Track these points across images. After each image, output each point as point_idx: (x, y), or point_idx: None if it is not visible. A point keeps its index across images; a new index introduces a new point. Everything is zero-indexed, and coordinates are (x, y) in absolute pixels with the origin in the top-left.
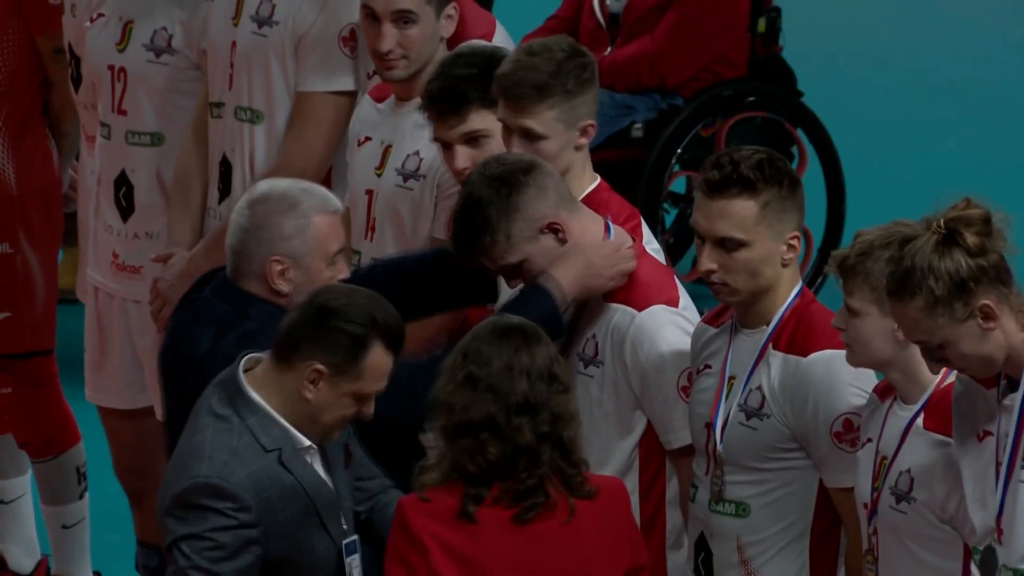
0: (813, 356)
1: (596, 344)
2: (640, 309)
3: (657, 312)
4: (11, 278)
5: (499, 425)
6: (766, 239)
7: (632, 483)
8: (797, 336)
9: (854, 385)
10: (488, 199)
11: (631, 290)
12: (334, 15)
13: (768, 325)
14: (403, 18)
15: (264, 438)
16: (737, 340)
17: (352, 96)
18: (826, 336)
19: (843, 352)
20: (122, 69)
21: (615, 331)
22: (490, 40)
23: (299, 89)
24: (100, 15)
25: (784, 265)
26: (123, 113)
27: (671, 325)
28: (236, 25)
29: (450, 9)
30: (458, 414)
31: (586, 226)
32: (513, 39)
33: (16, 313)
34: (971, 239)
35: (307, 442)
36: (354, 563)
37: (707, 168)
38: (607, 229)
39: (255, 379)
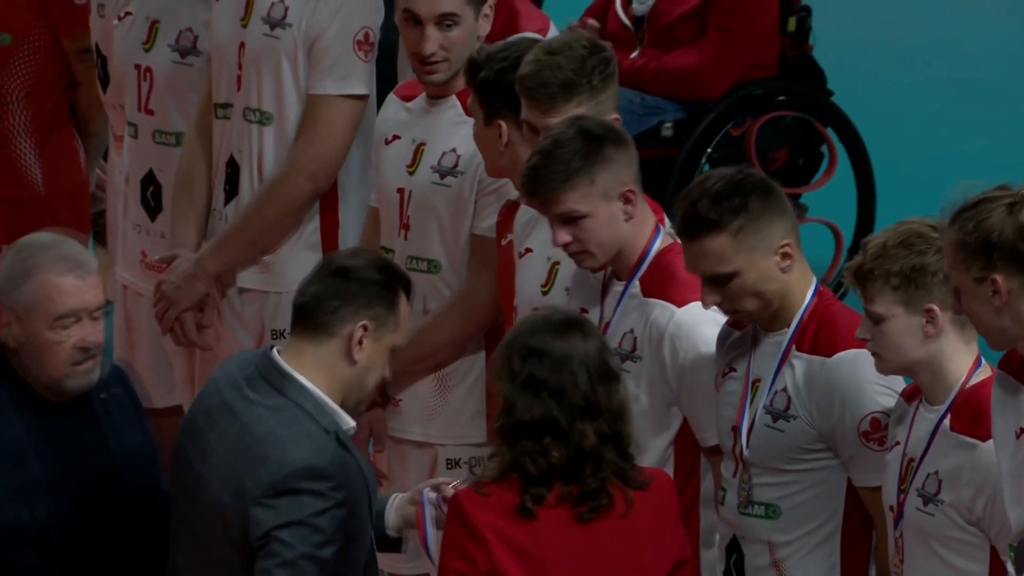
0: (838, 356)
1: (634, 339)
2: (679, 305)
3: (696, 308)
4: None
5: (562, 428)
6: (754, 260)
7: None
8: (820, 336)
9: (880, 384)
10: (584, 142)
11: (670, 286)
12: (349, 18)
13: (789, 327)
14: (446, 21)
15: (323, 420)
16: (760, 343)
17: (364, 100)
18: (850, 335)
19: (867, 352)
20: (148, 69)
21: (654, 327)
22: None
23: (311, 92)
24: (127, 13)
25: (784, 272)
26: (150, 113)
27: (710, 322)
28: (245, 26)
29: (486, 8)
30: (518, 414)
31: (645, 215)
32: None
33: None
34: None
35: (351, 423)
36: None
37: (675, 212)
38: (656, 230)
39: (291, 362)
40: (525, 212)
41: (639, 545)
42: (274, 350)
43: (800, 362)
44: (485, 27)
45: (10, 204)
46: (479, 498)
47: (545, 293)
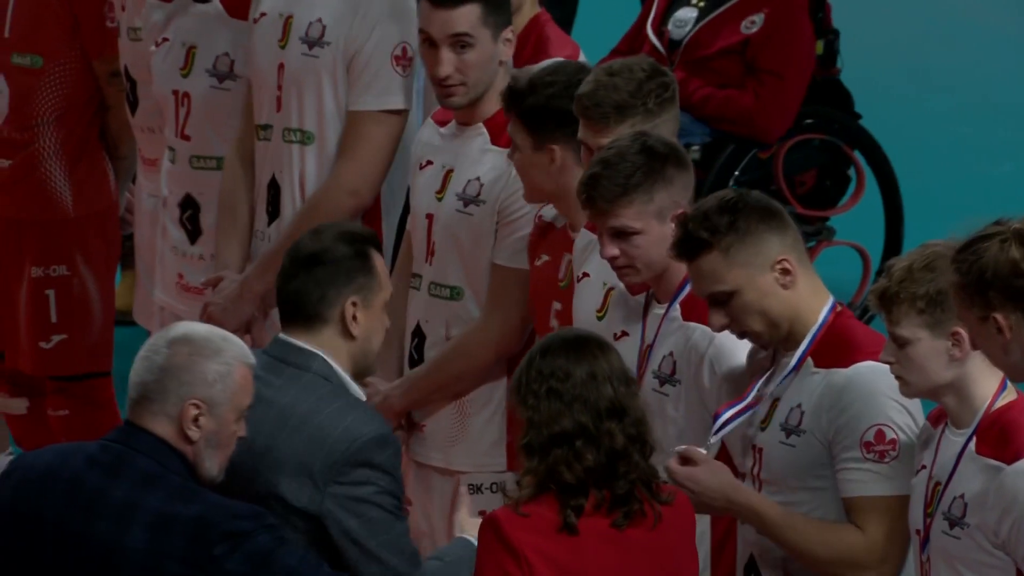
0: (856, 366)
1: (674, 362)
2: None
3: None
4: (68, 300)
5: (591, 432)
6: (750, 277)
7: (705, 520)
8: (838, 351)
9: (894, 399)
10: (646, 158)
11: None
12: (386, 34)
13: (800, 346)
14: (459, 42)
15: (351, 392)
16: (779, 363)
17: (404, 114)
18: (868, 349)
19: (886, 366)
20: (186, 94)
21: (693, 350)
22: None
23: (351, 108)
24: (165, 39)
25: (786, 288)
26: (186, 138)
27: (749, 345)
28: (283, 47)
29: (507, 33)
30: (547, 427)
31: None
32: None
33: (73, 335)
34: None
35: (363, 396)
36: None
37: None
38: None
39: None
40: (584, 237)
41: (670, 561)
42: (282, 335)
43: (818, 377)
44: (507, 52)
45: (40, 226)
46: (519, 519)
47: (600, 318)
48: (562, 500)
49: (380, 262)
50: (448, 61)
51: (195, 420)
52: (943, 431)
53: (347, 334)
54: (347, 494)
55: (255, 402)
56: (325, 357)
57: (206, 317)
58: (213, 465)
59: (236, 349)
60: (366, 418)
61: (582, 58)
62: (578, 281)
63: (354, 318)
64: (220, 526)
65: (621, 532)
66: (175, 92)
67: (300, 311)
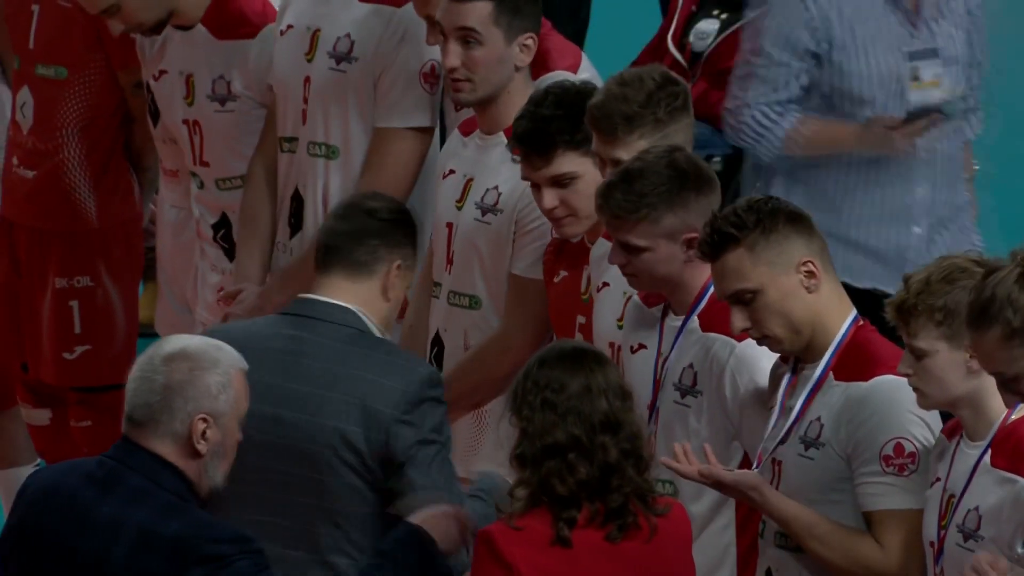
0: (876, 380)
1: (694, 374)
2: (740, 340)
3: (756, 343)
4: (92, 311)
5: (584, 445)
6: (774, 277)
7: (728, 517)
8: (858, 364)
9: (914, 413)
10: (667, 178)
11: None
12: (415, 51)
13: (823, 357)
14: (466, 37)
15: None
16: (800, 375)
17: (430, 132)
18: (888, 362)
19: (906, 381)
20: (196, 122)
21: (715, 361)
22: (575, 72)
23: (378, 125)
24: (163, 72)
25: (810, 292)
26: (206, 164)
27: (770, 357)
28: (310, 61)
29: (525, 39)
30: (540, 438)
31: None
32: (601, 74)
33: (96, 346)
34: None
35: None
36: None
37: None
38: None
39: (333, 299)
40: (600, 246)
41: (666, 572)
42: (308, 294)
43: (838, 390)
44: (523, 58)
45: (64, 237)
46: (512, 533)
47: (621, 327)
48: (555, 512)
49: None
50: (455, 53)
51: (203, 434)
52: (958, 444)
53: (384, 293)
54: (414, 435)
55: (288, 356)
56: (358, 313)
57: None
58: (218, 475)
59: (230, 357)
60: (413, 360)
61: (585, 64)
62: (598, 291)
63: (395, 281)
64: (199, 549)
65: (615, 545)
66: (185, 122)
67: (350, 255)
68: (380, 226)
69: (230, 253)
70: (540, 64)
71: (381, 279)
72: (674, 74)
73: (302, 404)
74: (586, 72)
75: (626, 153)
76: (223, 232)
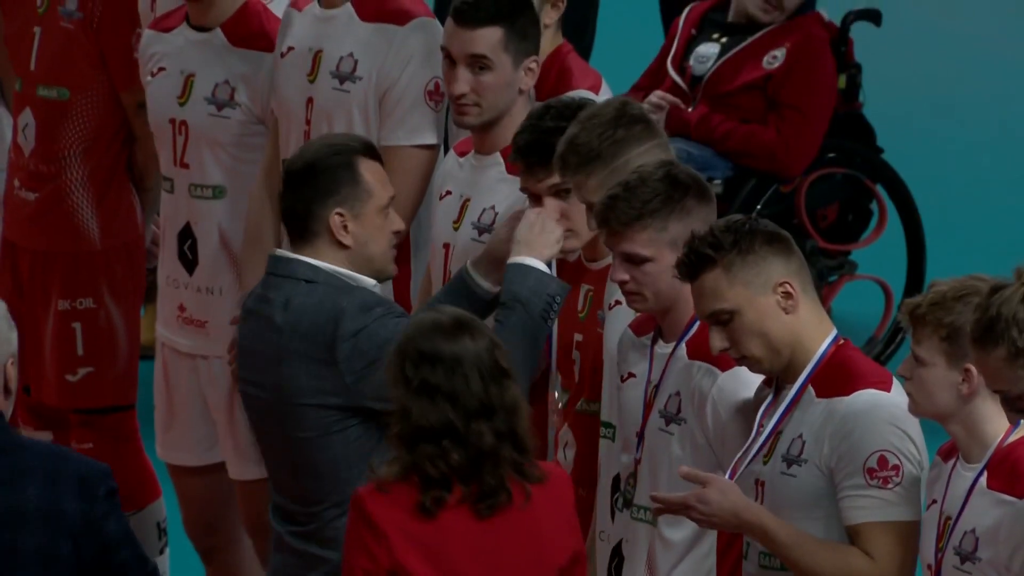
0: (857, 394)
1: (679, 401)
2: (723, 369)
3: (740, 373)
4: (94, 333)
5: (459, 431)
6: (751, 297)
7: (711, 542)
8: (840, 381)
9: (896, 425)
10: (667, 187)
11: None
12: (420, 69)
13: (801, 376)
14: (478, 63)
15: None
16: (780, 394)
17: (435, 150)
18: (869, 378)
19: (888, 395)
20: (183, 123)
21: (698, 390)
22: (596, 94)
23: (383, 143)
24: (161, 69)
25: (787, 312)
26: (185, 166)
27: (752, 386)
28: (313, 81)
29: (530, 62)
30: (415, 420)
31: None
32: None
33: (98, 368)
34: None
35: (373, 281)
36: None
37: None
38: None
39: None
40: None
41: (538, 536)
42: (277, 251)
43: (820, 407)
44: (528, 81)
45: (66, 258)
46: (380, 496)
47: None
48: (423, 488)
49: (370, 168)
50: (464, 80)
51: (344, 227)
52: (954, 466)
53: (338, 244)
54: (358, 366)
55: (254, 322)
56: (309, 260)
57: (232, 356)
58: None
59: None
60: (355, 294)
61: (605, 88)
62: (610, 309)
63: (344, 228)
64: None
65: (486, 520)
66: (172, 121)
67: (294, 227)
68: (311, 181)
69: (191, 267)
70: (562, 83)
71: (327, 234)
72: (633, 105)
73: (265, 369)
74: (606, 95)
75: (592, 195)
76: (188, 243)
